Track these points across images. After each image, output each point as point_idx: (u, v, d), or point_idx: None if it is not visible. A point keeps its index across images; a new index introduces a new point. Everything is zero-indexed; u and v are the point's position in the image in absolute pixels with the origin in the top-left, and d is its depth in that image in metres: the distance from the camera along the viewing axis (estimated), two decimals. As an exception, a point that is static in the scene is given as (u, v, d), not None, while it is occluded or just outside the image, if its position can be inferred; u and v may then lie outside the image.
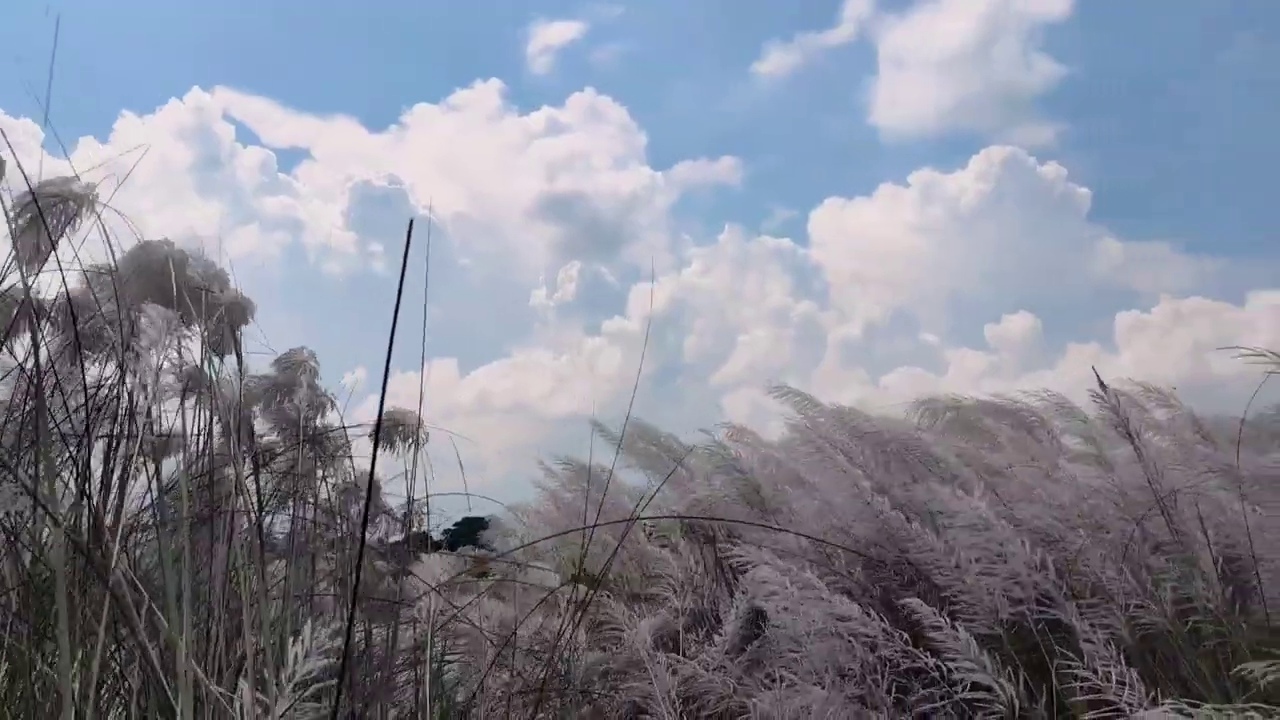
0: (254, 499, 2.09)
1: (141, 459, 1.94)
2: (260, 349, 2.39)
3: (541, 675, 2.40)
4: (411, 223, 1.08)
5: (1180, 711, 1.67)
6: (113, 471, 2.00)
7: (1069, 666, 1.79)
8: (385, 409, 2.56)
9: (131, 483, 1.99)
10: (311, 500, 2.28)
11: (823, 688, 2.09)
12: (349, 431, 2.41)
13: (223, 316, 2.18)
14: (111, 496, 1.98)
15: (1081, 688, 1.75)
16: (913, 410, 3.59)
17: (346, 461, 2.43)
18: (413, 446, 2.34)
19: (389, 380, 1.24)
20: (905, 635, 2.02)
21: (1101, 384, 2.25)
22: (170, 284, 1.84)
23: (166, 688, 1.13)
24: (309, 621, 1.17)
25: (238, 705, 1.12)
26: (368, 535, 2.29)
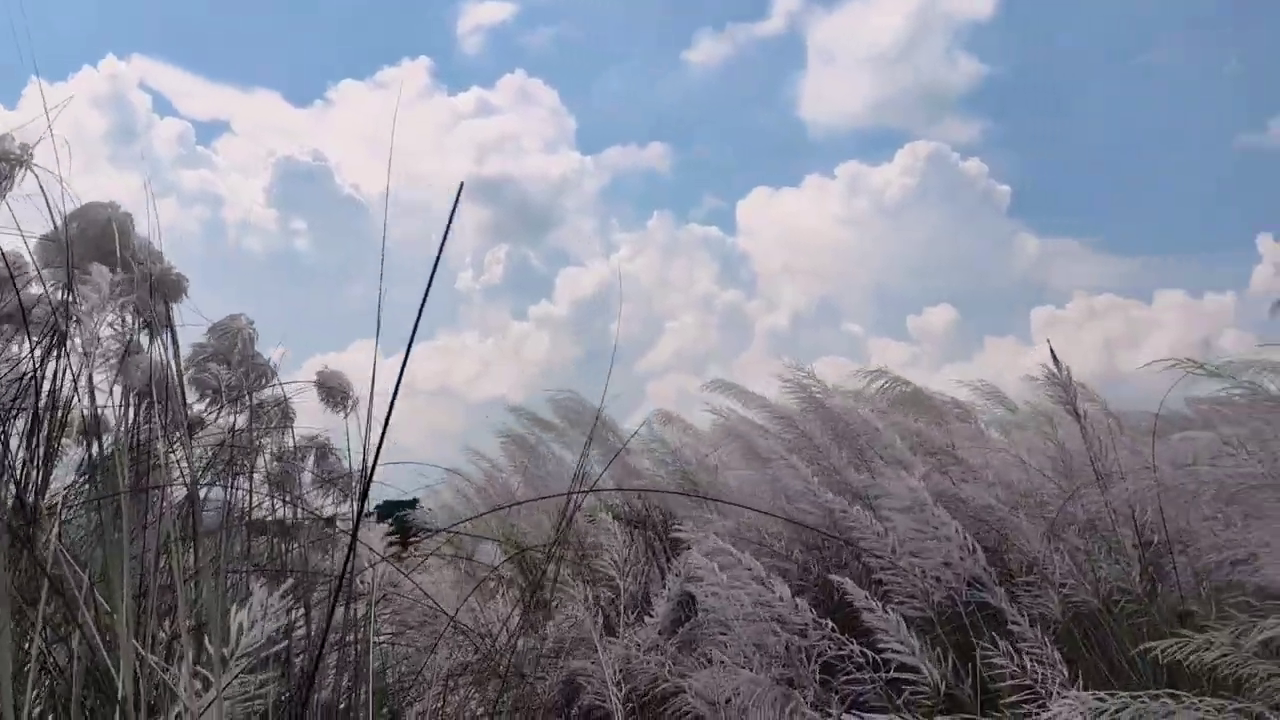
0: (188, 472, 2.04)
1: (70, 434, 1.90)
2: (192, 321, 2.31)
3: (480, 655, 2.41)
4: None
5: (1099, 699, 1.74)
6: (38, 446, 1.94)
7: (992, 649, 1.85)
8: (322, 370, 2.51)
9: (60, 458, 1.94)
10: (250, 472, 2.22)
11: (751, 669, 2.13)
12: (288, 395, 2.34)
13: (156, 288, 2.12)
14: (37, 472, 1.93)
15: (1009, 671, 1.81)
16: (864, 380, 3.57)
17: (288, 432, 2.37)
18: (369, 416, 2.31)
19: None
20: (830, 622, 2.07)
21: (1055, 359, 2.30)
22: (114, 248, 1.79)
23: (108, 661, 1.12)
24: (255, 593, 1.15)
25: (178, 679, 1.11)
26: (317, 506, 2.26)
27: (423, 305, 1.31)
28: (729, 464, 3.04)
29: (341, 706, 1.93)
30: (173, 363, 1.98)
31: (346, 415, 2.32)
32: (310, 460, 2.57)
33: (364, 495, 1.20)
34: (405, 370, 1.29)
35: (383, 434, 1.14)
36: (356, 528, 1.23)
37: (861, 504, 2.21)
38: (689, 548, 2.34)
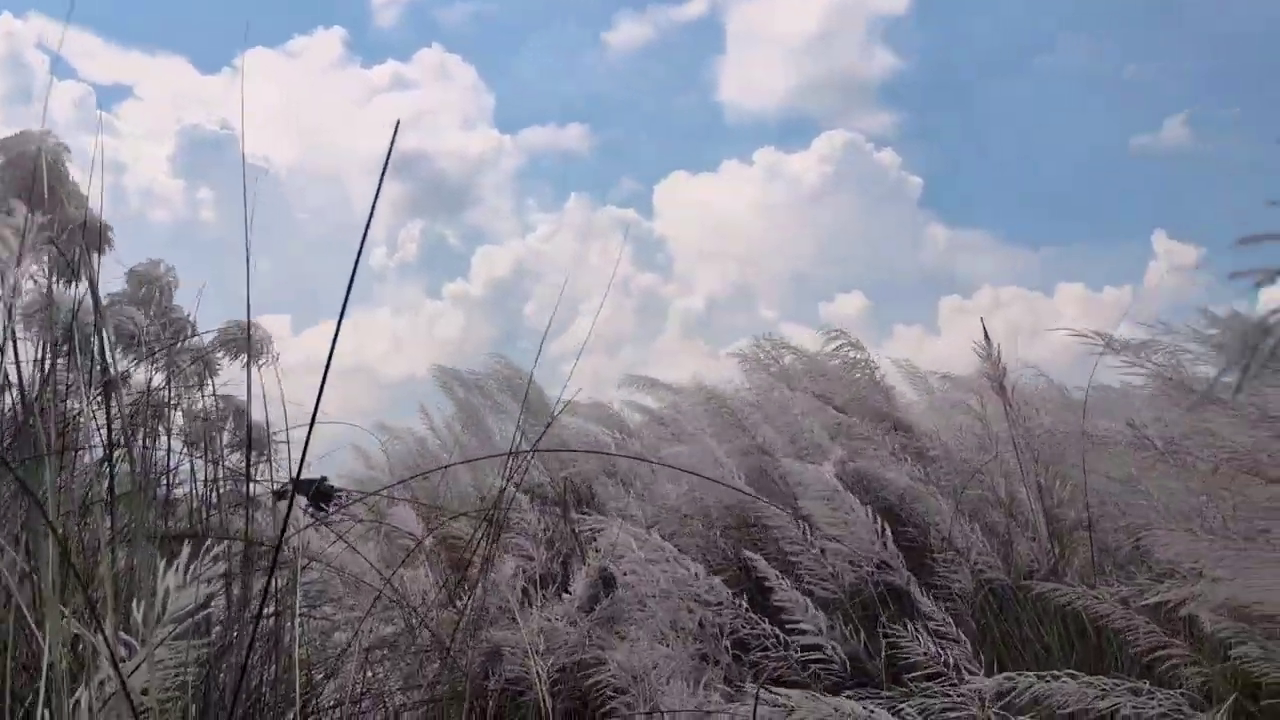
0: (103, 430, 1.98)
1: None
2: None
3: (402, 627, 2.42)
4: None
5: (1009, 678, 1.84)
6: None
7: (898, 629, 1.92)
8: (239, 321, 2.42)
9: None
10: (166, 431, 2.15)
11: (667, 645, 2.19)
12: (205, 348, 2.23)
13: (75, 234, 2.03)
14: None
15: (914, 649, 1.89)
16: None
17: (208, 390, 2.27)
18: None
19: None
20: (744, 601, 2.13)
21: (987, 336, 2.39)
22: (42, 182, 1.69)
23: (34, 627, 1.11)
24: (176, 562, 1.15)
25: (102, 645, 1.11)
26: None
27: (351, 280, 1.31)
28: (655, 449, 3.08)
29: (260, 680, 1.92)
30: (95, 315, 1.89)
31: (261, 368, 2.22)
32: (230, 421, 2.49)
33: (301, 462, 1.20)
34: (333, 346, 1.29)
35: (317, 402, 1.15)
36: (294, 492, 1.23)
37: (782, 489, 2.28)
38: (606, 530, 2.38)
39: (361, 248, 1.24)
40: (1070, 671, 1.94)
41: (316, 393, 1.13)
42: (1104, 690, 1.93)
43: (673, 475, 2.70)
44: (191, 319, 2.31)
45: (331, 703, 2.32)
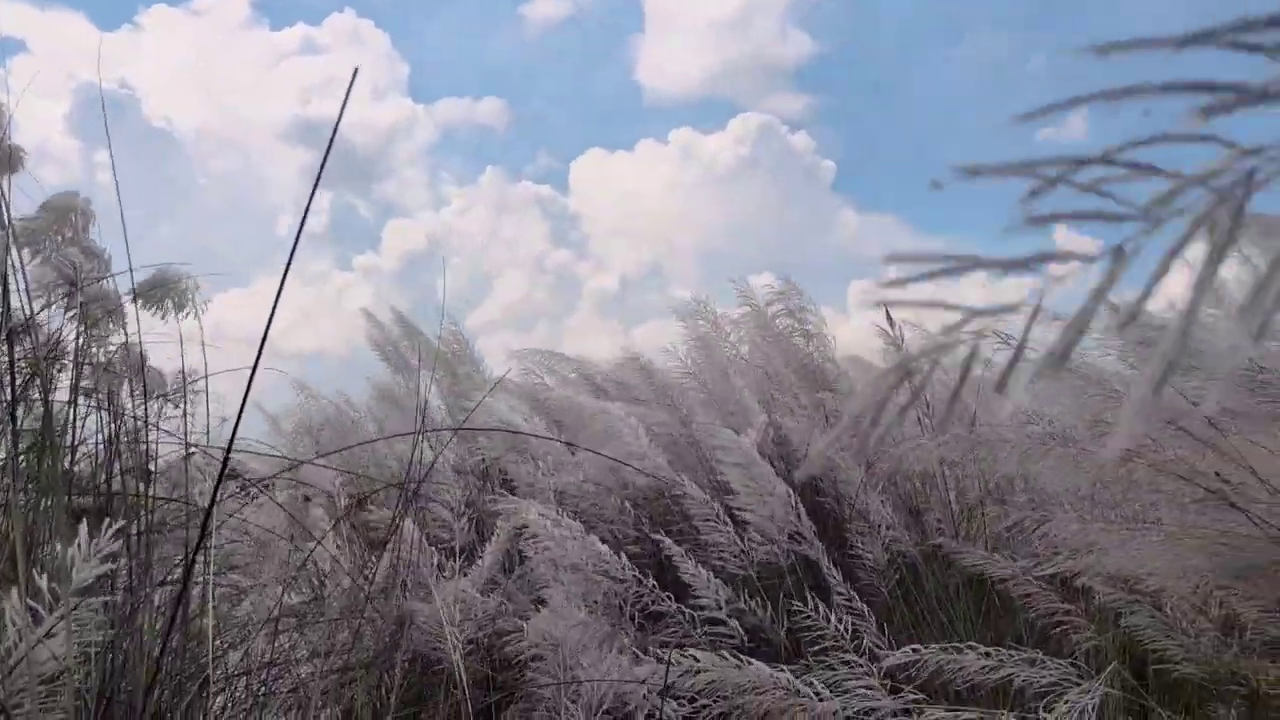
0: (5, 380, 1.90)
1: None
2: None
3: (310, 596, 2.39)
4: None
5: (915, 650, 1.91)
6: None
7: (801, 603, 1.98)
8: (154, 271, 2.32)
9: None
10: (76, 383, 2.05)
11: (583, 612, 2.21)
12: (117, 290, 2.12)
13: None
14: None
15: (819, 622, 1.94)
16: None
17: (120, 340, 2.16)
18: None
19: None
20: (651, 578, 2.16)
21: (890, 319, 2.45)
22: None
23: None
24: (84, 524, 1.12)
25: (9, 611, 1.08)
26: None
27: (291, 256, 1.29)
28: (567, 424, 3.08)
29: (163, 647, 1.88)
30: (10, 249, 1.78)
31: (183, 319, 2.14)
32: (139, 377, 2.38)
33: (235, 430, 1.17)
34: (270, 322, 1.27)
35: (254, 369, 1.13)
36: (226, 459, 1.20)
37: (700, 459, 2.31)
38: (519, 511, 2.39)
39: (301, 229, 1.21)
40: (970, 644, 2.02)
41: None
42: (1000, 661, 2.02)
43: (591, 449, 2.71)
44: (107, 254, 2.20)
45: (238, 672, 2.28)
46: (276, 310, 1.18)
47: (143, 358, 2.27)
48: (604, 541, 2.08)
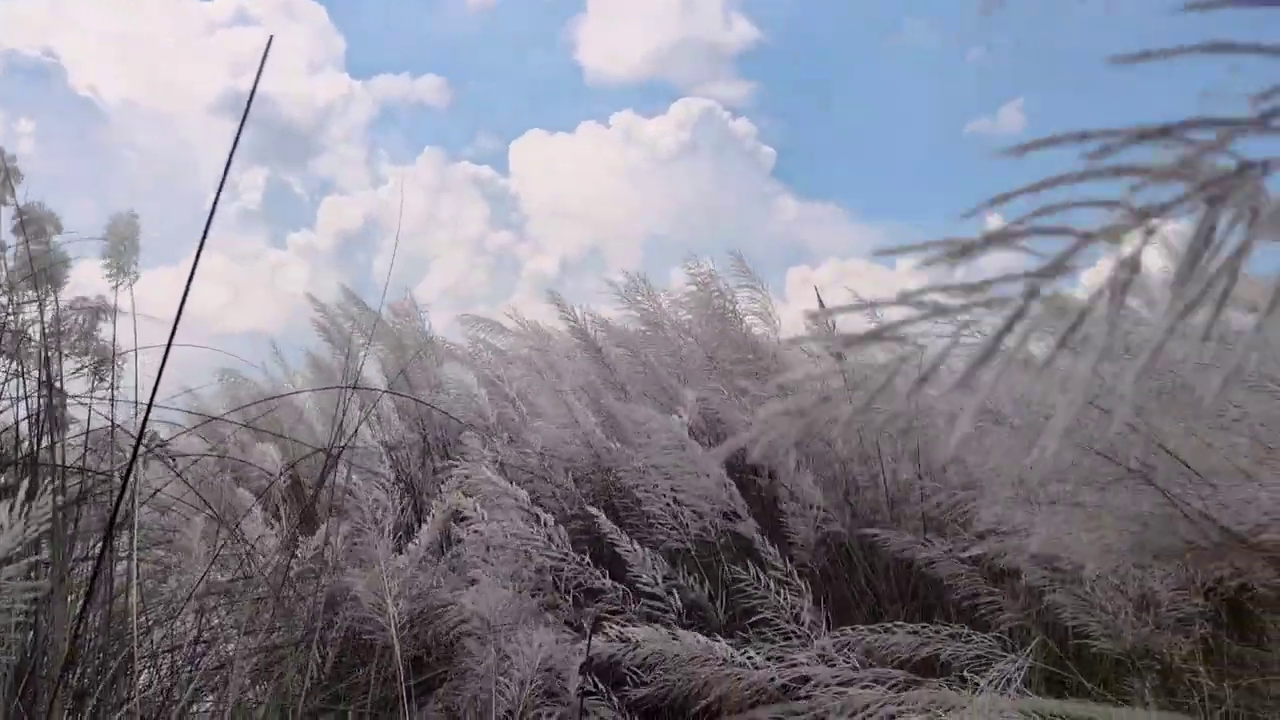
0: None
1: None
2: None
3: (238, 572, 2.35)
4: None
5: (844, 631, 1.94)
6: None
7: (740, 573, 2.00)
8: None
9: None
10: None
11: (513, 590, 2.21)
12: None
13: None
14: None
15: (757, 597, 1.97)
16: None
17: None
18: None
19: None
20: (585, 555, 2.17)
21: (821, 303, 2.47)
22: None
23: None
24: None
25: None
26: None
27: (208, 224, 1.26)
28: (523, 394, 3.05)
29: (80, 622, 1.84)
30: None
31: (118, 286, 2.05)
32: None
33: (155, 389, 1.14)
34: (186, 296, 1.25)
35: (170, 341, 1.10)
36: (143, 428, 1.17)
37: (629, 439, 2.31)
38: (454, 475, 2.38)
39: (216, 202, 1.19)
40: (899, 623, 2.07)
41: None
42: (928, 639, 2.07)
43: (538, 424, 2.71)
44: (48, 210, 2.11)
45: (163, 649, 2.24)
46: (192, 287, 1.15)
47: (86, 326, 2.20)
48: (550, 513, 2.08)
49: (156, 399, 1.35)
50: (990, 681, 1.95)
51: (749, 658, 1.88)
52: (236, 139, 1.12)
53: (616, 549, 2.03)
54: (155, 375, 1.22)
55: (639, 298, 3.13)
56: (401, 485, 2.43)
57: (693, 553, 2.15)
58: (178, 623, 2.29)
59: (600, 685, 2.01)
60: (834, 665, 1.91)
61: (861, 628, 2.00)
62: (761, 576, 1.98)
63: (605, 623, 2.05)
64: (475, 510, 2.20)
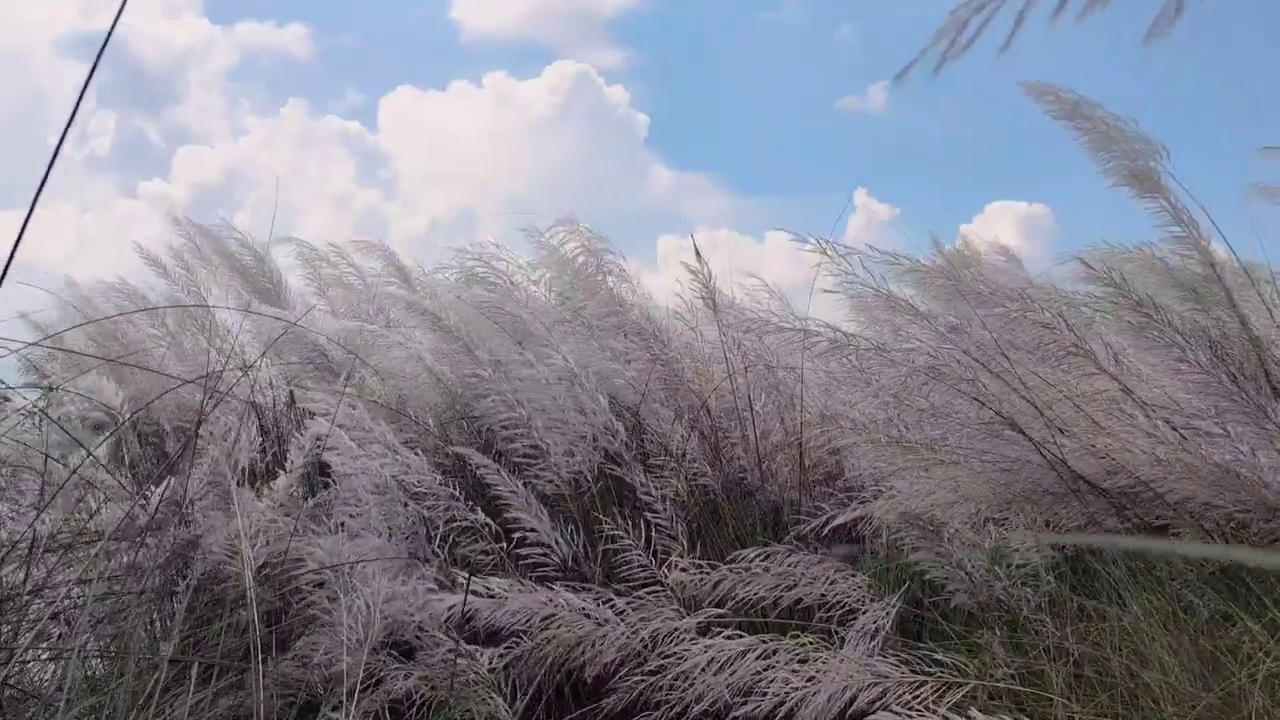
0: None
1: None
2: None
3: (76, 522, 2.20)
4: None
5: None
6: None
7: (616, 521, 1.99)
8: None
9: None
10: None
11: (380, 537, 2.13)
12: None
13: None
14: None
15: (631, 542, 1.95)
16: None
17: None
18: None
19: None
20: (459, 494, 2.12)
21: (698, 254, 2.48)
22: None
23: None
24: None
25: None
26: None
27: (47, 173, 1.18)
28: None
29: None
30: None
31: None
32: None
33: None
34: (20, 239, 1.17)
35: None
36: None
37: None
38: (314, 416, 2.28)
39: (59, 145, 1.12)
40: (764, 566, 2.09)
41: None
42: (794, 581, 2.10)
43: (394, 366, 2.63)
44: None
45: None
46: (34, 234, 1.08)
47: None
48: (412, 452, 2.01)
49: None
50: (859, 631, 2.00)
51: (614, 607, 1.86)
52: (88, 80, 1.05)
53: (491, 490, 1.98)
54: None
55: (498, 261, 3.09)
56: (260, 425, 2.32)
57: (566, 496, 2.12)
58: (6, 572, 2.12)
59: (466, 647, 1.96)
60: (699, 611, 1.92)
61: (725, 568, 2.00)
62: (633, 526, 1.97)
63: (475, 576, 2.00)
64: (344, 439, 2.10)
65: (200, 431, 2.12)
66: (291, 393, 2.94)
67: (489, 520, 1.96)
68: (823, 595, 1.95)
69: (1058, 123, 2.23)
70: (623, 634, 1.89)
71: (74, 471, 2.32)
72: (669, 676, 1.79)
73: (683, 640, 1.87)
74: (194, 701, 1.76)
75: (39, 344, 3.13)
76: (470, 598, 1.87)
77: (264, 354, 2.82)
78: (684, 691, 1.79)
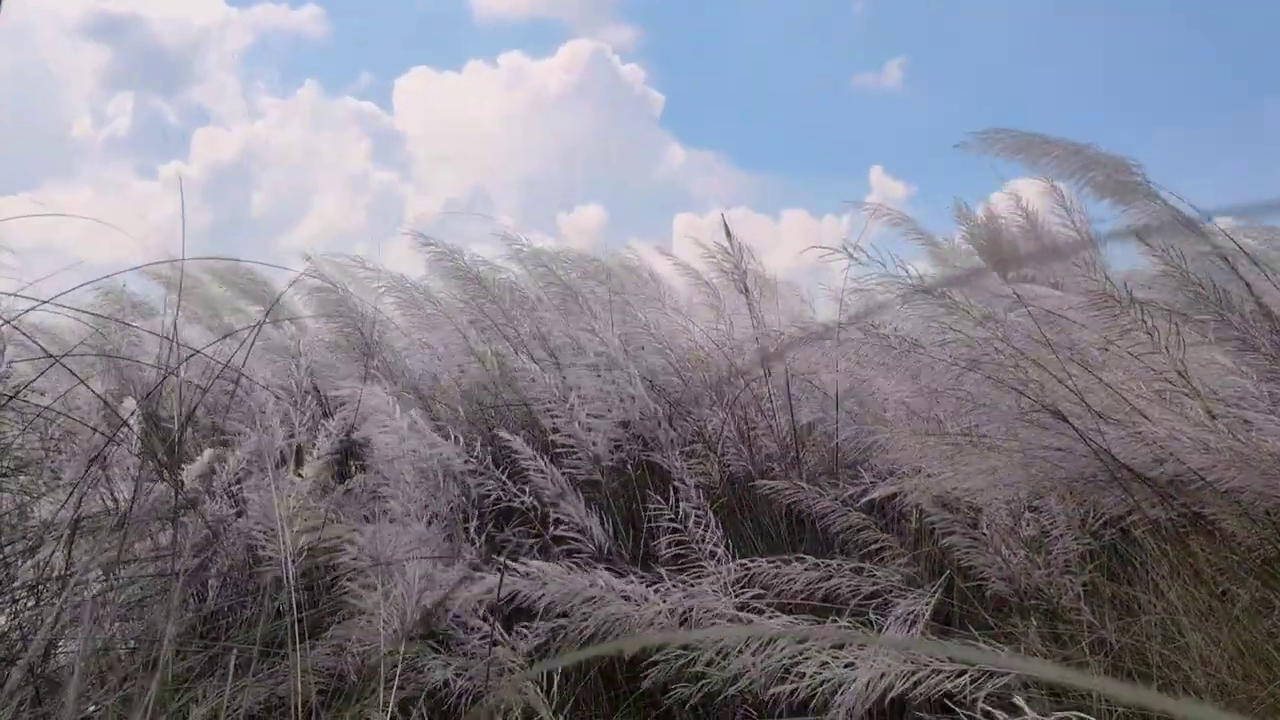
0: None
1: None
2: None
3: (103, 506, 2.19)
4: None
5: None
6: None
7: (662, 506, 1.97)
8: None
9: None
10: None
11: (421, 524, 2.12)
12: None
13: None
14: None
15: (670, 529, 1.94)
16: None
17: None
18: None
19: None
20: (504, 475, 2.10)
21: (728, 233, 2.45)
22: None
23: None
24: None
25: None
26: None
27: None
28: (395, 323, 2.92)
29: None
30: None
31: None
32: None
33: None
34: None
35: None
36: None
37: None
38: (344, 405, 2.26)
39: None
40: (800, 555, 2.08)
41: None
42: (830, 573, 2.08)
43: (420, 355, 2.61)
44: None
45: (25, 583, 2.07)
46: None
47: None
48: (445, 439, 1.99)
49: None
50: (898, 619, 1.98)
51: (657, 590, 1.85)
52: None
53: (529, 476, 1.96)
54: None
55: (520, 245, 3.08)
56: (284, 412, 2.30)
57: (603, 484, 2.10)
58: (45, 555, 2.12)
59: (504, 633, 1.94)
60: (740, 594, 1.90)
61: (761, 560, 1.99)
62: (674, 509, 1.95)
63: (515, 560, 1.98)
64: (392, 415, 2.08)
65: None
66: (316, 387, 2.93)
67: (537, 501, 1.94)
68: (856, 586, 1.93)
69: (1016, 157, 2.24)
70: (662, 612, 1.88)
71: (100, 453, 2.31)
72: (707, 653, 1.77)
73: (720, 620, 1.85)
74: (230, 689, 1.75)
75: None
76: (512, 580, 1.86)
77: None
78: (721, 669, 1.78)
